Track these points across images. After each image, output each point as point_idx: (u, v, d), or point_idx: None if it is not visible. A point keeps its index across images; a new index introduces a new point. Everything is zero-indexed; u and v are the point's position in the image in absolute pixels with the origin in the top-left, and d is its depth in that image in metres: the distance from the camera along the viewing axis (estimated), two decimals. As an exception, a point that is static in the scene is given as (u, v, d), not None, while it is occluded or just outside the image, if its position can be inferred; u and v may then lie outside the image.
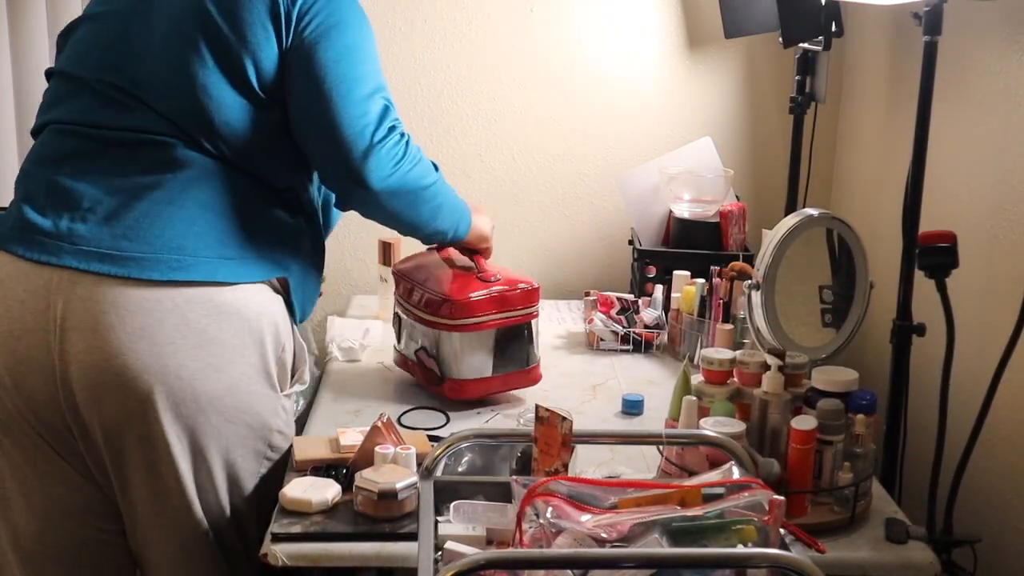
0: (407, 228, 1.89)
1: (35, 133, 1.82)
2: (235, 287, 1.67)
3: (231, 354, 1.66)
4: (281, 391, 1.76)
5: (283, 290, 1.77)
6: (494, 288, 1.96)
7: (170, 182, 1.67)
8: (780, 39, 2.31)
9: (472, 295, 1.94)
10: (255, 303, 1.69)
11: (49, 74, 1.86)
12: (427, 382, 2.01)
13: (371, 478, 1.56)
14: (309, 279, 1.83)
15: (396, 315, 2.09)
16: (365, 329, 2.31)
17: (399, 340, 2.09)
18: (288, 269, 1.76)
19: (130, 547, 1.76)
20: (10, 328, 1.62)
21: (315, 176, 1.87)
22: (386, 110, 1.76)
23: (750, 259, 2.29)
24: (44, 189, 1.69)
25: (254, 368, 1.69)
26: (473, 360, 1.96)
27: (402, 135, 1.78)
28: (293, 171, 1.79)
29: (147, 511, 1.68)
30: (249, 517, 1.72)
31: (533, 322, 2.01)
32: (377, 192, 1.75)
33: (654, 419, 1.91)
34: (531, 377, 2.03)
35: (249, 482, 1.72)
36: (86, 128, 1.71)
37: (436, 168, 1.86)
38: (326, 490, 1.58)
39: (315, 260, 1.86)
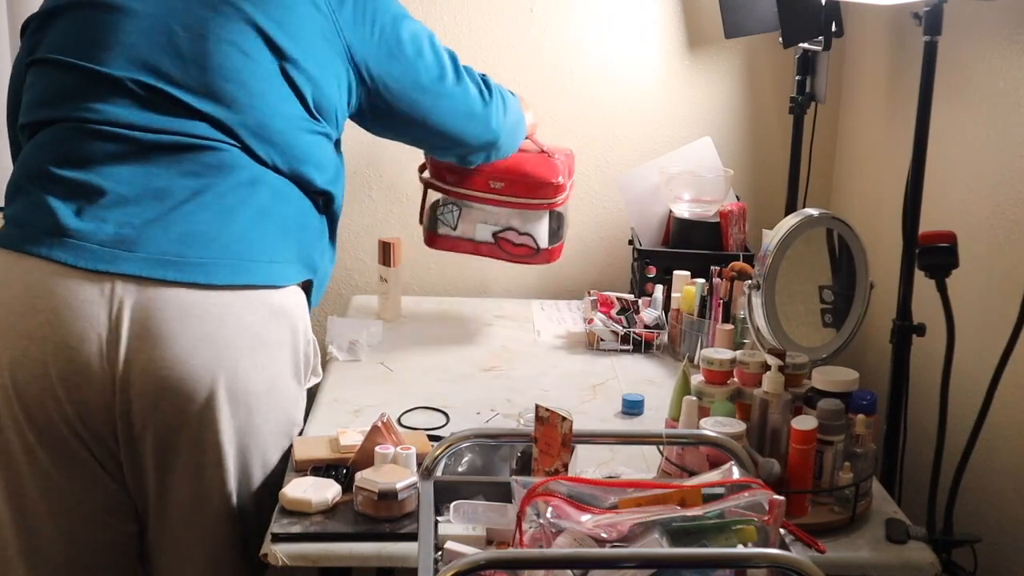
0: (511, 152, 2.15)
1: (31, 126, 1.76)
2: (282, 289, 1.72)
3: (275, 353, 1.71)
4: (303, 384, 1.81)
5: (304, 288, 1.81)
6: (565, 163, 2.28)
7: (220, 187, 1.68)
8: (780, 39, 2.31)
9: (559, 176, 2.23)
10: (293, 303, 1.75)
11: (31, 62, 1.78)
12: (518, 256, 2.28)
13: (371, 478, 1.56)
14: (326, 277, 1.89)
15: (450, 204, 2.27)
16: (365, 329, 2.31)
17: (453, 226, 2.27)
18: (315, 270, 1.82)
19: (147, 552, 1.76)
20: (66, 339, 1.59)
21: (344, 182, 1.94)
22: (468, 68, 1.98)
23: (750, 259, 2.29)
24: (80, 192, 1.66)
25: (289, 365, 1.74)
26: (553, 227, 2.29)
27: (484, 79, 2.01)
28: (332, 179, 1.85)
29: (183, 516, 1.68)
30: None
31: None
32: (502, 138, 2.05)
33: (654, 419, 1.91)
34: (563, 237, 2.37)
35: (274, 480, 1.73)
36: (121, 129, 1.68)
37: (511, 92, 2.11)
38: (326, 490, 1.58)
39: (332, 257, 1.92)
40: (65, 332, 1.59)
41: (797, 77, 2.44)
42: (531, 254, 2.28)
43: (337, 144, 1.90)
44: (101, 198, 1.65)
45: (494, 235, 2.27)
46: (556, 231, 2.31)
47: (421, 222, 2.36)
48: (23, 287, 1.62)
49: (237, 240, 1.67)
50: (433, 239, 2.32)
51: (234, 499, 1.68)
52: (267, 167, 1.74)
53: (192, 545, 1.71)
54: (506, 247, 2.28)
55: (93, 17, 1.74)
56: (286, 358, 1.73)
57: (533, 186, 2.21)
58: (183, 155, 1.68)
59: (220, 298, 1.64)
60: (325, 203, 1.86)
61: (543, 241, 2.27)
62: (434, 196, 2.30)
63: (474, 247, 2.30)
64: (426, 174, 2.29)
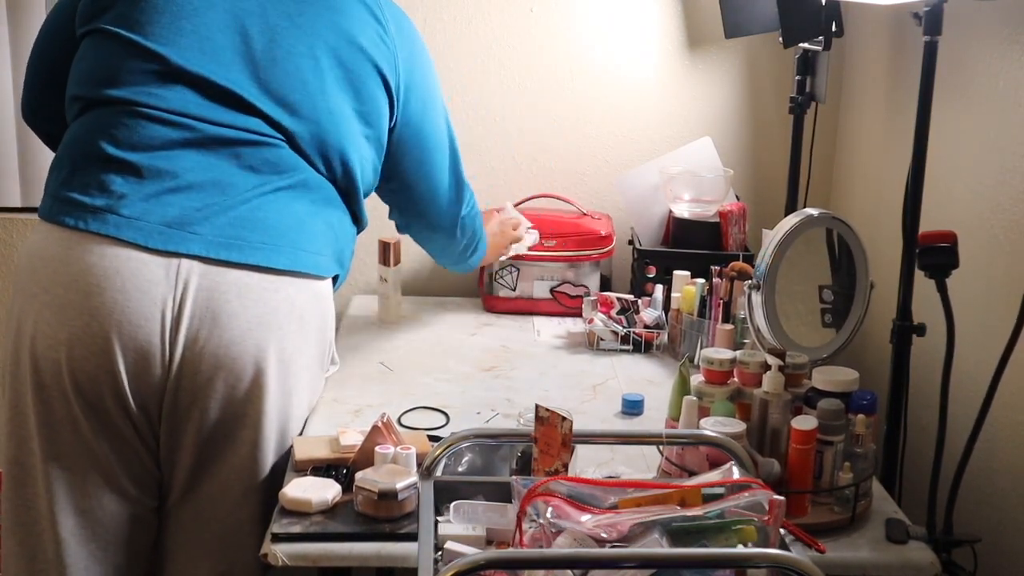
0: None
1: (84, 101, 1.77)
2: (323, 280, 1.81)
3: (313, 337, 1.79)
4: (324, 371, 1.91)
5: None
6: (607, 222, 2.57)
7: (278, 182, 1.76)
8: (780, 39, 2.31)
9: (604, 229, 2.52)
10: (328, 293, 1.84)
11: (92, 30, 1.78)
12: (573, 307, 2.49)
13: (371, 478, 1.56)
14: (344, 279, 1.94)
15: (508, 266, 2.50)
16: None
17: (512, 287, 2.51)
18: (343, 269, 1.89)
19: (161, 525, 1.77)
20: (130, 317, 1.63)
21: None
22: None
23: (750, 259, 2.29)
24: (142, 174, 1.69)
25: (320, 350, 1.83)
26: (605, 277, 2.59)
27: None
28: (367, 190, 1.93)
29: (211, 492, 1.70)
30: None
31: None
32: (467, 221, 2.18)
33: (654, 419, 1.91)
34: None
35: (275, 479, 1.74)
36: (183, 118, 1.72)
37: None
38: (326, 490, 1.58)
39: (352, 253, 1.97)
40: (131, 311, 1.63)
41: (797, 77, 2.44)
42: (579, 301, 2.47)
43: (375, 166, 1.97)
44: (164, 181, 1.69)
45: (551, 290, 2.51)
46: (608, 280, 2.58)
47: (481, 289, 2.57)
48: (85, 265, 1.65)
49: (293, 230, 1.74)
50: (495, 302, 2.53)
51: (263, 476, 1.71)
52: (318, 172, 1.81)
53: (213, 519, 1.72)
54: (563, 300, 2.50)
55: (183, 8, 1.76)
56: (319, 344, 1.82)
57: (583, 240, 2.49)
58: (242, 148, 1.74)
59: (274, 282, 1.71)
60: (355, 216, 1.92)
61: (595, 290, 2.48)
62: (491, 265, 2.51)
63: (533, 304, 2.51)
64: None
